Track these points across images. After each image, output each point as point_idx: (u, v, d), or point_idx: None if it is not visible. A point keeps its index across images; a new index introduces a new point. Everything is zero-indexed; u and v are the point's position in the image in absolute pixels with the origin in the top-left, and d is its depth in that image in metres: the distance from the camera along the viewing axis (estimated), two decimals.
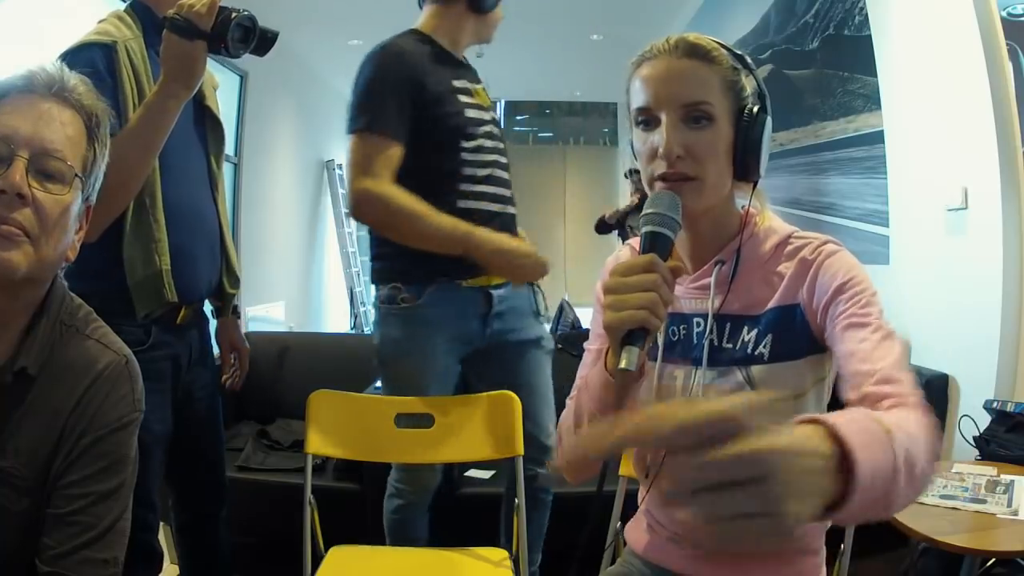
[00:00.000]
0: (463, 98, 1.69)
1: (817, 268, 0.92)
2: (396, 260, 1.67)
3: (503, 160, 1.76)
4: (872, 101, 2.80)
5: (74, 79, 0.92)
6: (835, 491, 0.53)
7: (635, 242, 1.04)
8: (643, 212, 0.87)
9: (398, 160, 1.61)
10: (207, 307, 1.66)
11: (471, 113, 1.69)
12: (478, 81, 1.79)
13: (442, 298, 1.65)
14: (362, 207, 1.61)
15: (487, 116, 1.74)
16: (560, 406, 1.09)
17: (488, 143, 1.71)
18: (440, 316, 1.66)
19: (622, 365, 0.78)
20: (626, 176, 4.93)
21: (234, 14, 1.28)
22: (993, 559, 1.72)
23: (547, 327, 1.88)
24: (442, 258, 1.62)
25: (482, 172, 1.70)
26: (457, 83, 1.70)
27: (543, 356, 1.82)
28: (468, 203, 1.68)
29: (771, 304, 0.95)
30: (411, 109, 1.61)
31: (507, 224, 1.74)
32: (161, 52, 1.28)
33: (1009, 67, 2.14)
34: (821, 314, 0.91)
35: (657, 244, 0.84)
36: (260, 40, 1.35)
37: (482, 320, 1.71)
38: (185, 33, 1.25)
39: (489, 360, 1.78)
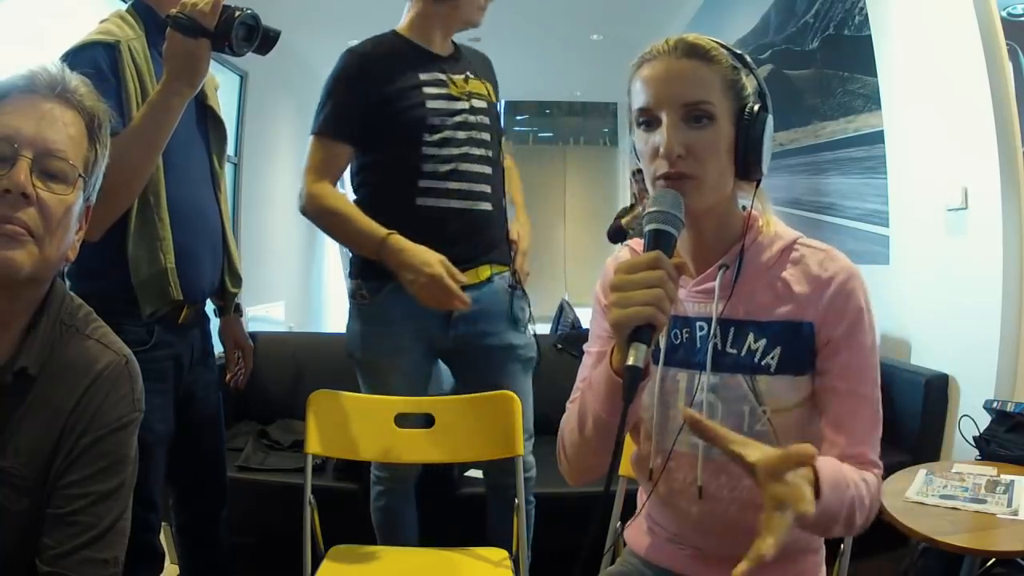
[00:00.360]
0: (430, 89, 1.67)
1: (836, 293, 0.93)
2: (360, 256, 1.69)
3: (477, 152, 1.69)
4: (872, 101, 2.80)
5: (75, 80, 0.93)
6: None
7: (634, 243, 1.04)
8: (646, 210, 0.87)
9: (344, 161, 1.69)
10: (209, 306, 1.66)
11: (435, 104, 1.66)
12: (462, 71, 1.73)
13: (399, 296, 1.62)
14: (303, 205, 1.68)
15: (461, 106, 1.68)
16: (560, 407, 1.08)
17: (460, 134, 1.67)
18: (397, 314, 1.65)
19: (630, 361, 0.79)
20: (632, 176, 4.93)
21: (237, 12, 1.28)
22: (993, 559, 1.72)
23: (528, 334, 1.79)
24: None
25: (445, 167, 1.65)
26: (425, 75, 1.68)
27: (516, 365, 1.76)
28: (427, 200, 1.65)
29: (779, 315, 0.95)
30: (364, 110, 1.64)
31: (478, 223, 1.68)
32: (164, 50, 1.28)
33: (1009, 67, 2.14)
34: (830, 348, 0.93)
35: (661, 241, 0.84)
36: (263, 39, 1.35)
37: (444, 320, 1.68)
38: (189, 31, 1.25)
39: (465, 362, 1.78)
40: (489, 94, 1.77)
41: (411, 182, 1.65)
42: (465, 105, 1.69)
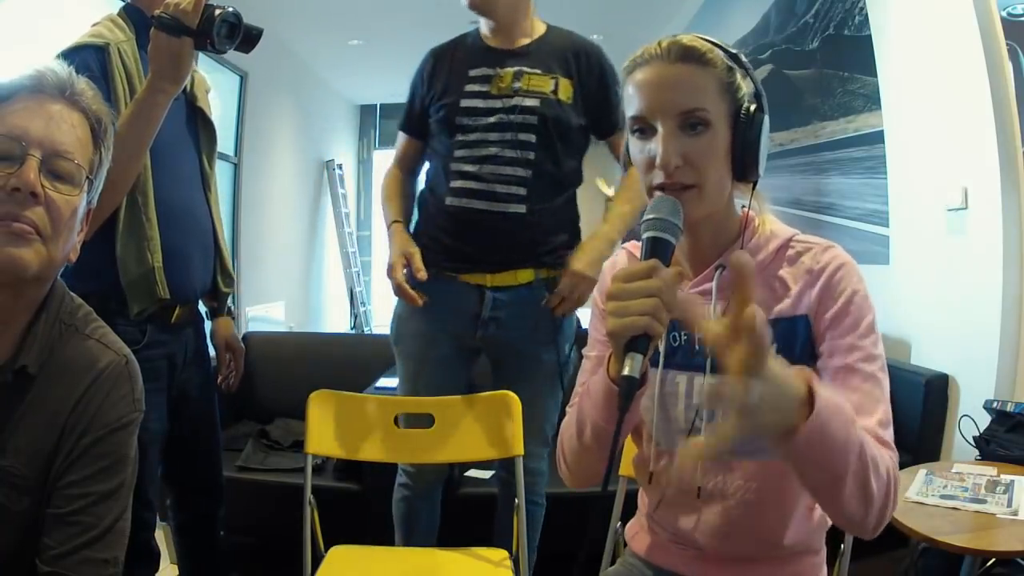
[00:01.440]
0: (471, 87, 1.65)
1: (827, 282, 0.92)
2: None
3: (510, 154, 1.62)
4: (872, 101, 2.80)
5: (82, 83, 0.93)
6: (792, 425, 0.73)
7: (631, 246, 1.04)
8: (644, 218, 0.86)
9: (412, 153, 1.82)
10: (202, 308, 1.66)
11: (470, 103, 1.64)
12: (516, 66, 1.65)
13: (436, 287, 1.65)
14: None
15: (498, 105, 1.63)
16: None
17: (492, 135, 1.63)
18: (430, 307, 1.66)
19: (625, 371, 0.78)
20: None
21: (218, 10, 1.31)
22: (993, 559, 1.72)
23: (565, 350, 1.72)
24: (437, 249, 1.66)
25: (472, 168, 1.63)
26: (473, 72, 1.66)
27: (540, 379, 1.71)
28: (454, 201, 1.65)
29: (775, 313, 0.94)
30: (422, 108, 1.72)
31: (508, 226, 1.63)
32: (149, 50, 1.30)
33: (1009, 67, 2.14)
34: (823, 330, 0.92)
35: (659, 250, 0.83)
36: (245, 36, 1.38)
37: (472, 320, 1.68)
38: (172, 30, 1.28)
39: (493, 364, 1.78)
40: (554, 92, 1.66)
41: (445, 181, 1.66)
42: (505, 104, 1.63)
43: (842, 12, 3.03)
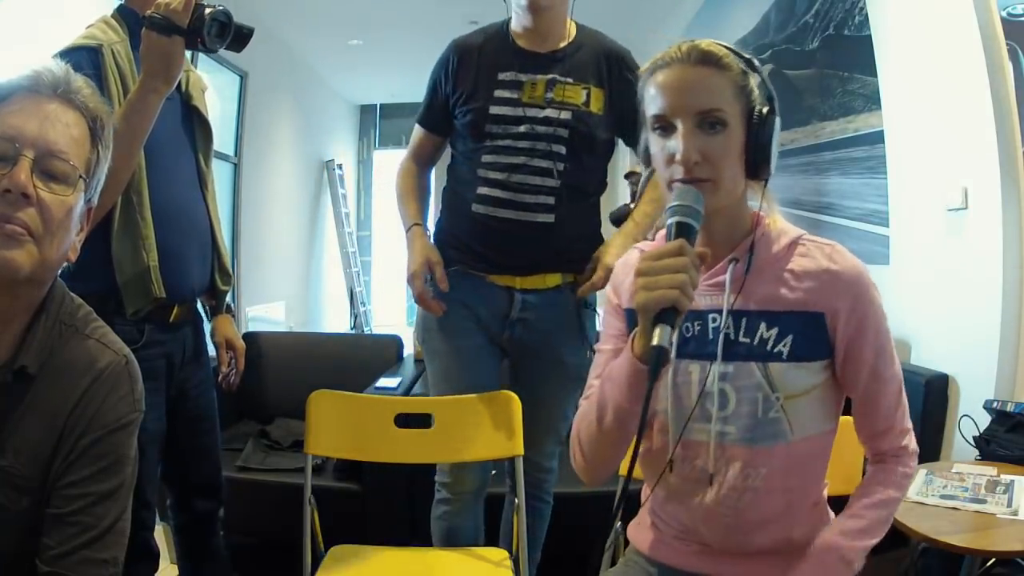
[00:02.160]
0: (501, 92, 1.60)
1: (848, 290, 0.98)
2: (436, 237, 1.72)
3: (540, 164, 1.59)
4: (872, 101, 2.80)
5: (79, 81, 0.93)
6: None
7: (644, 245, 1.11)
8: (670, 204, 0.91)
9: (429, 147, 1.77)
10: (200, 307, 1.66)
11: (499, 110, 1.59)
12: (549, 73, 1.61)
13: (463, 284, 1.64)
14: None
15: (530, 114, 1.59)
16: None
17: (521, 144, 1.58)
18: (460, 299, 1.65)
19: (655, 341, 0.82)
20: (625, 178, 4.92)
21: (208, 9, 1.32)
22: (993, 559, 1.72)
23: (589, 353, 1.69)
24: (465, 251, 1.64)
25: (499, 176, 1.59)
26: (503, 76, 1.61)
27: (559, 382, 1.70)
28: (479, 208, 1.62)
29: (790, 305, 0.99)
30: (445, 103, 1.68)
31: (535, 233, 1.60)
32: (141, 50, 1.31)
33: (1009, 67, 2.14)
34: (848, 339, 0.99)
35: (684, 232, 0.89)
36: (236, 35, 1.39)
37: (501, 320, 1.66)
38: (163, 30, 1.29)
39: (518, 365, 1.76)
40: (586, 104, 1.61)
41: (471, 187, 1.63)
42: (536, 113, 1.59)
43: (842, 12, 3.03)
